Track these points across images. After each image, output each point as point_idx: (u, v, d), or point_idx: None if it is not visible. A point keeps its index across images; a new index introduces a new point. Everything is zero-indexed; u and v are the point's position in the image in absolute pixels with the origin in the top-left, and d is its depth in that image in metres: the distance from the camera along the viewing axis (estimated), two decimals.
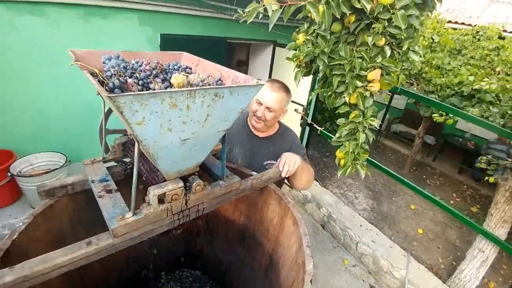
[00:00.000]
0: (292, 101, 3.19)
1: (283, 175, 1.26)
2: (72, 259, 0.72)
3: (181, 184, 0.85)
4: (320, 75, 1.38)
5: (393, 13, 1.02)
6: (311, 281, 0.79)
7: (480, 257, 2.38)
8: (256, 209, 1.32)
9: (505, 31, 4.72)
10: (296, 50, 1.34)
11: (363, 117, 1.30)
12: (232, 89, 0.73)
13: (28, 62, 1.95)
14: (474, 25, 4.77)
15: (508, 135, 2.08)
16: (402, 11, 1.01)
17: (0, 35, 1.83)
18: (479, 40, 4.45)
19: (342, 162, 1.44)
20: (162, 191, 0.81)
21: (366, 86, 1.24)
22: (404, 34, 1.15)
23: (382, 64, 1.20)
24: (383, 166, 2.80)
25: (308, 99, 3.44)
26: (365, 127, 1.28)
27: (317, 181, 3.81)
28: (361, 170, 1.37)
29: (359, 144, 1.32)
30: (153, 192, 0.79)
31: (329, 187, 4.03)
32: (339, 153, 1.44)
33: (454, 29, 4.94)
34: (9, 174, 1.59)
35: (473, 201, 4.50)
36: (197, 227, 1.55)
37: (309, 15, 1.20)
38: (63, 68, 2.02)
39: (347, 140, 1.37)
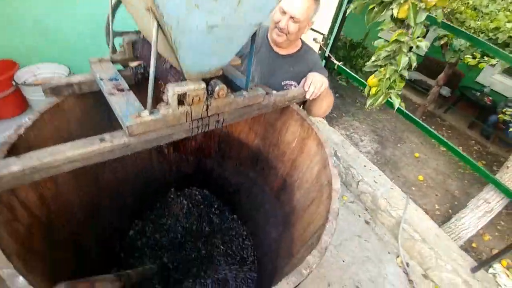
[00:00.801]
0: (311, 29, 2.86)
1: (307, 96, 1.15)
2: (84, 154, 0.66)
3: (203, 85, 0.74)
4: None
5: None
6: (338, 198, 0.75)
7: (484, 208, 2.43)
8: (273, 131, 1.25)
9: None
10: None
11: (411, 36, 1.11)
12: None
13: None
14: None
15: None
16: None
17: None
18: None
19: (373, 90, 1.31)
20: (183, 90, 0.70)
21: None
22: None
23: None
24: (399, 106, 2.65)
25: (331, 27, 3.07)
26: (411, 48, 1.11)
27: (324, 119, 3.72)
28: (395, 100, 1.25)
29: (399, 70, 1.17)
30: (173, 91, 0.69)
31: (335, 128, 3.97)
32: (371, 80, 1.29)
33: None
34: (13, 83, 1.47)
35: (479, 156, 4.49)
36: (208, 148, 1.51)
37: None
38: None
39: (385, 64, 1.21)
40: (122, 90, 0.79)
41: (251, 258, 1.49)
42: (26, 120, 0.80)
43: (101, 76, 0.83)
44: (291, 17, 1.20)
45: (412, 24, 1.04)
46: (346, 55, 5.51)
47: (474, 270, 2.20)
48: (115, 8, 0.88)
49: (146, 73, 0.96)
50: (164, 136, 0.78)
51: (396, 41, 1.14)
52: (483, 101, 5.69)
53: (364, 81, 2.62)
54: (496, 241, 3.09)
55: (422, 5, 1.00)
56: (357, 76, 2.79)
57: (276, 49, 1.37)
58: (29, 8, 1.86)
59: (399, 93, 1.27)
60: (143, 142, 0.75)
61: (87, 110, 0.96)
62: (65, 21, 2.07)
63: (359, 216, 2.75)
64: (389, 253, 2.47)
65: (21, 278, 0.50)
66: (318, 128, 1.04)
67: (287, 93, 1.08)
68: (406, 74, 1.20)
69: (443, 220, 3.05)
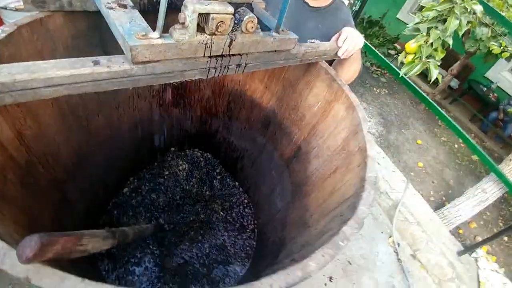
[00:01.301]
0: None
1: (339, 54, 0.99)
2: (71, 78, 0.51)
3: (230, 8, 0.58)
4: None
5: None
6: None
7: (480, 197, 2.43)
8: (293, 91, 1.10)
9: None
10: None
11: None
12: None
13: None
14: None
15: None
16: None
17: None
18: None
19: (408, 58, 1.16)
20: (206, 10, 0.54)
21: None
22: None
23: None
24: (413, 85, 2.51)
25: None
26: (465, 10, 0.95)
27: None
28: (433, 71, 1.10)
29: (446, 35, 1.01)
30: (193, 7, 0.53)
31: None
32: (409, 46, 1.13)
33: None
34: None
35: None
36: (216, 106, 1.36)
37: None
38: None
39: (430, 28, 1.05)
40: (124, 6, 0.62)
41: (251, 227, 1.41)
42: None
43: None
44: None
45: None
46: (362, 32, 5.22)
47: (460, 253, 2.32)
48: None
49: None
50: (174, 72, 0.63)
51: (449, 0, 0.96)
52: (488, 96, 5.60)
53: (383, 57, 2.44)
54: (480, 229, 3.18)
55: None
56: (377, 51, 2.60)
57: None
58: None
59: (438, 63, 1.12)
60: (147, 75, 0.60)
61: (78, 35, 0.79)
62: None
63: None
64: (382, 232, 2.48)
65: None
66: (349, 90, 0.90)
67: (318, 45, 0.92)
68: (450, 42, 1.05)
69: (436, 206, 3.07)
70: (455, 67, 4.50)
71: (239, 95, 1.29)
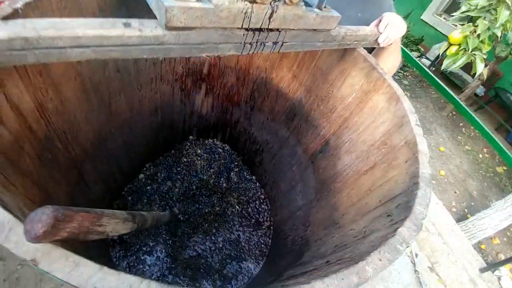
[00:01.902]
0: None
1: (379, 41, 0.91)
2: (100, 39, 0.46)
3: None
4: None
5: None
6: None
7: (509, 211, 2.27)
8: (324, 81, 1.02)
9: None
10: None
11: None
12: None
13: None
14: None
15: None
16: None
17: None
18: None
19: (451, 50, 1.06)
20: None
21: None
22: None
23: None
24: (442, 85, 2.37)
25: None
26: None
27: None
28: (479, 64, 1.00)
29: (495, 26, 0.90)
30: None
31: None
32: (452, 37, 1.04)
33: None
34: None
35: (501, 161, 4.24)
36: (238, 94, 1.30)
37: None
38: None
39: (477, 17, 0.95)
40: None
41: (267, 223, 1.34)
42: None
43: None
44: None
45: None
46: None
47: (482, 270, 2.19)
48: None
49: None
50: (208, 44, 0.57)
51: None
52: None
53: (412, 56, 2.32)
54: (503, 246, 3.00)
55: None
56: (405, 49, 2.47)
57: None
58: None
59: (484, 57, 1.02)
60: (180, 45, 0.54)
61: (106, 8, 0.75)
62: None
63: None
64: None
65: None
66: (392, 79, 0.82)
67: (358, 29, 0.85)
68: (499, 34, 0.94)
69: (457, 218, 2.91)
70: (485, 72, 4.27)
71: (264, 84, 1.22)
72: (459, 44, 1.02)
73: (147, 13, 0.52)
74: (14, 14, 0.57)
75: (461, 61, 1.02)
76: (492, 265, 2.15)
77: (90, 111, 0.88)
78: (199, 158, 1.37)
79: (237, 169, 1.47)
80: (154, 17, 0.51)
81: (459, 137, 4.22)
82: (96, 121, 0.92)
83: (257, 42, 0.64)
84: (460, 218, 2.85)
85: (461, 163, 3.63)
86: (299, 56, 1.07)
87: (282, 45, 0.69)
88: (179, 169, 1.32)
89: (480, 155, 4.09)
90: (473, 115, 2.31)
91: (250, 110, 1.34)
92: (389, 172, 0.67)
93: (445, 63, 1.03)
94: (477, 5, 0.95)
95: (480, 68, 1.00)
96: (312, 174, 1.13)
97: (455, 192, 3.15)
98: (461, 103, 2.24)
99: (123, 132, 1.07)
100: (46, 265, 0.28)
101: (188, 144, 1.42)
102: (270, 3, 0.56)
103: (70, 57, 0.46)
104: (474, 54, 1.00)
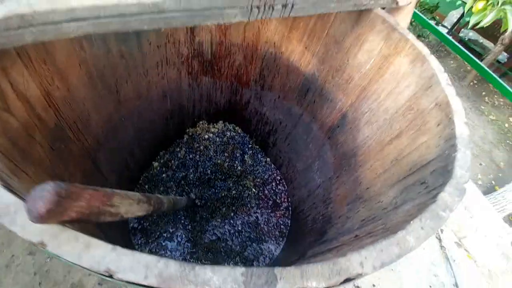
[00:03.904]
0: None
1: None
2: (97, 9, 0.42)
3: None
4: None
5: None
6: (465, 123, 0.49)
7: None
8: (338, 50, 0.95)
9: None
10: None
11: None
12: None
13: None
14: None
15: None
16: None
17: None
18: None
19: (477, 6, 0.96)
20: None
21: None
22: None
23: None
24: (464, 50, 2.21)
25: None
26: None
27: None
28: (511, 19, 0.90)
29: None
30: None
31: None
32: None
33: None
34: None
35: None
36: (247, 73, 1.24)
37: None
38: None
39: None
40: None
41: (285, 204, 1.32)
42: None
43: None
44: None
45: None
46: None
47: None
48: None
49: None
50: (212, 10, 0.52)
51: None
52: None
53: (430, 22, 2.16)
54: None
55: None
56: (422, 16, 2.31)
57: None
58: None
59: None
60: (182, 12, 0.49)
61: None
62: None
63: None
64: None
65: None
66: (415, 39, 0.74)
67: None
68: None
69: (484, 191, 2.78)
70: (507, 36, 3.95)
71: (274, 60, 1.16)
72: (486, 0, 0.92)
73: None
74: None
75: (491, 17, 0.92)
76: None
77: (98, 99, 0.86)
78: (211, 143, 1.34)
79: (250, 151, 1.44)
80: None
81: (482, 107, 3.99)
82: (105, 109, 0.91)
83: (265, 5, 0.58)
84: (488, 190, 2.73)
85: (486, 134, 3.44)
86: (309, 25, 1.00)
87: (292, 7, 0.63)
88: (192, 155, 1.31)
89: (506, 124, 3.86)
90: (500, 80, 2.15)
91: (261, 89, 1.29)
92: (419, 138, 0.61)
93: (473, 20, 0.93)
94: None
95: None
96: (329, 151, 1.08)
97: (481, 164, 3.00)
98: (486, 68, 2.08)
99: (133, 120, 1.06)
100: (55, 247, 0.26)
101: (199, 128, 1.39)
102: None
103: (67, 32, 0.43)
104: (505, 9, 0.90)
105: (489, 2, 0.91)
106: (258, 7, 0.58)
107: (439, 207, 0.36)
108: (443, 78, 0.61)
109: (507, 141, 3.50)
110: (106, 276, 0.26)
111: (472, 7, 1.00)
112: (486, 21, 0.94)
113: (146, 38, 0.93)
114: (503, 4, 0.88)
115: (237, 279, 0.27)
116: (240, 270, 0.28)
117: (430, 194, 0.40)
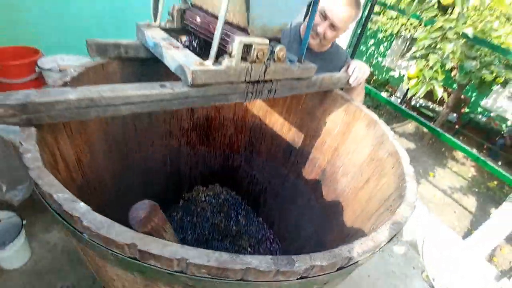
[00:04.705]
0: None
1: (350, 81, 1.12)
2: (144, 97, 0.61)
3: (267, 41, 0.71)
4: None
5: None
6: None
7: (508, 217, 2.35)
8: (312, 120, 1.20)
9: None
10: None
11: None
12: None
13: None
14: None
15: None
16: None
17: None
18: None
19: (411, 83, 1.30)
20: (249, 41, 0.67)
21: None
22: None
23: None
24: (415, 115, 2.63)
25: (349, 41, 3.13)
26: (458, 34, 1.11)
27: None
28: (438, 90, 1.22)
29: (443, 57, 1.15)
30: (239, 40, 0.65)
31: None
32: (410, 73, 1.28)
33: None
34: (37, 69, 1.46)
35: (490, 177, 4.43)
36: (238, 141, 1.45)
37: None
38: None
39: (427, 54, 1.20)
40: (177, 47, 0.76)
41: None
42: (71, 70, 0.75)
43: (153, 35, 0.80)
44: (331, 24, 1.16)
45: (459, 8, 1.04)
46: None
47: (498, 279, 2.18)
48: None
49: (196, 47, 0.93)
50: (221, 95, 0.73)
51: (440, 28, 1.13)
52: (490, 124, 5.78)
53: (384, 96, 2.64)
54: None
55: None
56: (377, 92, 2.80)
57: (309, 46, 1.37)
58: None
59: (441, 83, 1.24)
60: (200, 97, 0.70)
61: (128, 77, 0.92)
62: (96, 17, 2.10)
63: None
64: (414, 268, 2.33)
65: (82, 203, 0.43)
66: (367, 109, 1.00)
67: (332, 74, 1.05)
68: (449, 63, 1.19)
69: (463, 236, 2.91)
70: (451, 99, 4.75)
71: (260, 129, 1.39)
72: (417, 77, 1.26)
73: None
74: (65, 86, 0.72)
75: (423, 89, 1.24)
76: (507, 272, 2.13)
77: (112, 165, 0.99)
78: (208, 204, 1.43)
79: (244, 212, 1.53)
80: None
81: (444, 161, 4.45)
82: (117, 172, 1.03)
83: (256, 91, 0.81)
84: (466, 235, 2.86)
85: (453, 184, 3.76)
86: (286, 103, 1.27)
87: (275, 92, 0.86)
88: (189, 217, 1.37)
89: (469, 174, 4.27)
90: (453, 138, 2.53)
91: (250, 153, 1.48)
92: (381, 179, 0.78)
93: (410, 92, 1.24)
94: (424, 45, 1.20)
95: (440, 93, 1.21)
96: (316, 203, 1.22)
97: (455, 212, 3.20)
98: (437, 128, 2.48)
99: (139, 181, 1.17)
100: (143, 245, 0.37)
101: (195, 193, 1.49)
102: (264, 62, 0.75)
103: (121, 111, 0.60)
104: (432, 83, 1.22)
105: (419, 79, 1.24)
106: (251, 93, 0.80)
107: (397, 217, 0.50)
108: (391, 135, 0.83)
109: (473, 189, 3.82)
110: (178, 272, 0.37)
111: (408, 82, 1.34)
112: (420, 93, 1.26)
113: (156, 115, 1.13)
114: (430, 79, 1.20)
115: (268, 261, 0.40)
116: (269, 256, 0.41)
117: (393, 212, 0.55)
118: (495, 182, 4.26)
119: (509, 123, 5.92)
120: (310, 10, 0.82)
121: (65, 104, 0.53)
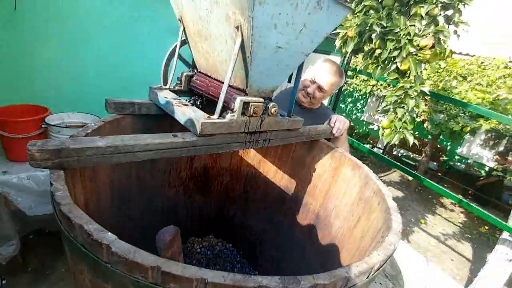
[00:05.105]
0: None
1: (333, 131, 1.27)
2: (159, 145, 0.70)
3: (262, 100, 0.85)
4: (371, 45, 1.44)
5: None
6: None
7: (503, 257, 2.34)
8: (302, 167, 1.31)
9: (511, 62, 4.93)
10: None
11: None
12: (330, 2, 0.77)
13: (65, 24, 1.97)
14: (478, 56, 5.07)
15: None
16: None
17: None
18: (484, 69, 4.73)
19: (386, 132, 1.47)
20: (248, 100, 0.81)
21: (418, 52, 1.30)
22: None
23: (435, 31, 1.26)
24: (399, 164, 2.79)
25: (329, 99, 3.48)
26: (416, 92, 1.32)
27: None
28: (409, 137, 1.39)
29: (408, 110, 1.35)
30: (240, 99, 0.80)
31: None
32: (383, 124, 1.46)
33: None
34: (43, 125, 1.56)
35: (480, 222, 4.48)
36: (233, 190, 1.51)
37: None
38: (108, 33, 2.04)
39: (395, 108, 1.41)
40: (186, 105, 0.89)
41: None
42: (92, 123, 0.86)
43: (165, 95, 0.94)
44: (319, 87, 1.39)
45: (414, 72, 1.27)
46: None
47: None
48: (180, 46, 1.06)
49: (199, 105, 1.08)
50: (224, 144, 0.84)
51: (402, 87, 1.36)
52: (470, 170, 6.09)
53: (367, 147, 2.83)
54: None
55: (420, 58, 1.27)
56: (359, 143, 3.02)
57: (299, 103, 1.58)
58: (73, 60, 2.08)
59: (411, 132, 1.42)
60: (206, 146, 0.80)
61: (137, 130, 1.03)
62: (106, 78, 2.30)
63: (380, 284, 2.50)
64: None
65: (110, 233, 0.48)
66: (350, 155, 1.12)
67: (317, 127, 1.21)
68: (415, 115, 1.38)
69: (464, 285, 2.81)
70: (427, 148, 5.08)
71: (254, 177, 1.47)
72: (390, 127, 1.43)
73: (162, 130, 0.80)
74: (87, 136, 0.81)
75: (396, 138, 1.40)
76: None
77: (112, 212, 1.02)
78: (203, 256, 1.41)
79: (239, 265, 1.50)
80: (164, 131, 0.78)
81: (433, 208, 4.52)
82: (116, 223, 1.04)
83: (253, 140, 0.93)
84: (468, 282, 2.77)
85: (445, 230, 3.77)
86: (278, 152, 1.39)
87: (269, 141, 0.99)
88: None
89: (459, 220, 4.31)
90: (436, 184, 2.67)
91: (245, 203, 1.53)
92: (371, 216, 0.85)
93: (386, 140, 1.40)
94: (391, 101, 1.41)
95: (411, 140, 1.37)
96: (312, 248, 1.24)
97: (452, 260, 3.14)
98: (421, 176, 2.63)
99: (139, 229, 1.17)
100: (166, 267, 0.42)
101: (190, 245, 1.47)
102: (260, 116, 0.88)
103: (139, 157, 0.69)
104: (403, 131, 1.39)
105: (392, 129, 1.41)
106: (249, 142, 0.92)
107: (386, 244, 0.57)
108: (373, 176, 0.94)
109: (466, 235, 3.83)
110: None
111: (383, 132, 1.50)
112: (394, 140, 1.42)
113: (157, 165, 1.21)
114: (400, 128, 1.37)
115: (276, 280, 0.44)
116: (277, 277, 0.45)
117: (383, 242, 0.61)
118: (486, 227, 4.31)
119: (486, 168, 6.26)
120: (296, 75, 1.00)
121: (94, 150, 0.61)
